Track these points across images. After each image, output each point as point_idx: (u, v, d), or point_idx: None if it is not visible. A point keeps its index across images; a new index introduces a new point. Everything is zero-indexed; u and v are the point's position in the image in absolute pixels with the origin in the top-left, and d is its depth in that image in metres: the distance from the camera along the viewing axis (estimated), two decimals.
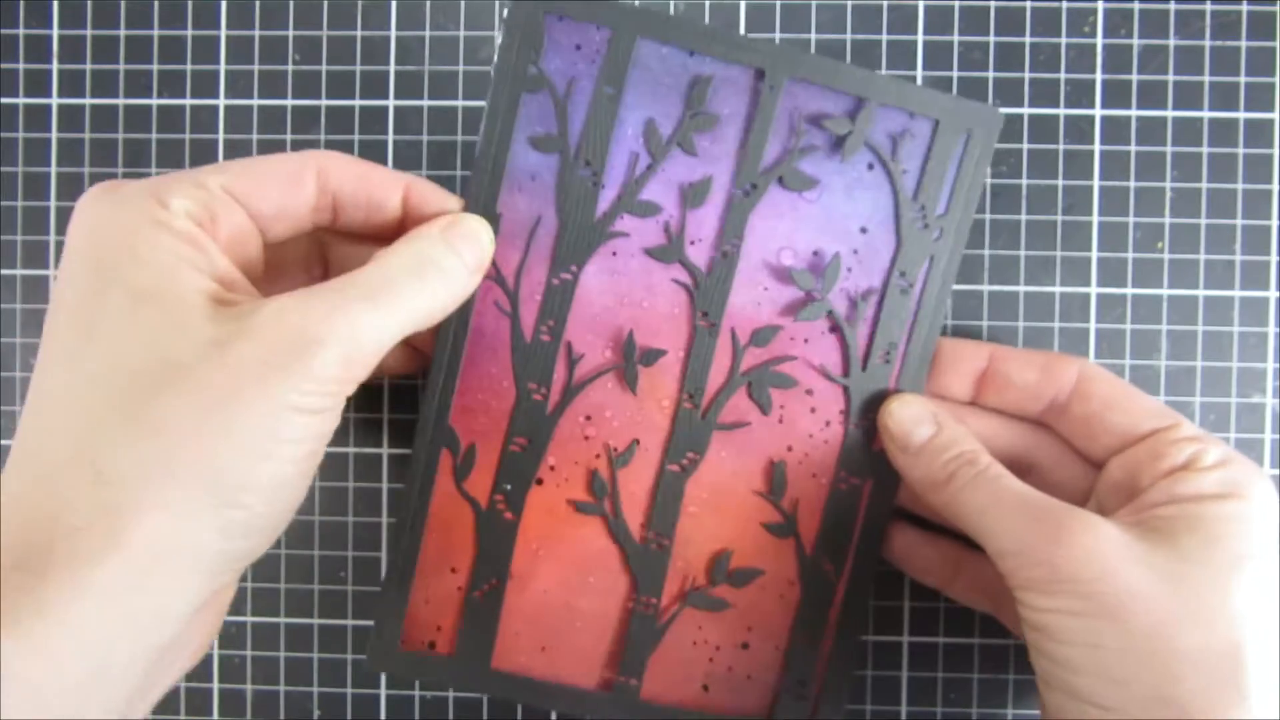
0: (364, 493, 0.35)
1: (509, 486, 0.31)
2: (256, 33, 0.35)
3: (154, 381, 0.23)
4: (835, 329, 0.31)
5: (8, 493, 0.23)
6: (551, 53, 0.30)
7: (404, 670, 0.31)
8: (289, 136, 0.35)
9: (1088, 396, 0.29)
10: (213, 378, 0.23)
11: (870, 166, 0.30)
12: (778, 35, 0.34)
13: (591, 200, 0.30)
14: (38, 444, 0.23)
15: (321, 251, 0.31)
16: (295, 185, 0.27)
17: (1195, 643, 0.24)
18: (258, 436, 0.23)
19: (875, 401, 0.31)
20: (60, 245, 0.35)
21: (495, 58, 0.29)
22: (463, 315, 0.30)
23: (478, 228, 0.29)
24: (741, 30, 0.34)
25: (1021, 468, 0.31)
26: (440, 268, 0.27)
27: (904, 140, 0.30)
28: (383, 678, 0.35)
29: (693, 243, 0.30)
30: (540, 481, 0.31)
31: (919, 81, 0.34)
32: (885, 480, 0.31)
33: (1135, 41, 0.34)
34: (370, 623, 0.34)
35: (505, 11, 0.30)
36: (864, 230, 0.31)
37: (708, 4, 0.34)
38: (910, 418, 0.30)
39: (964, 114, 0.30)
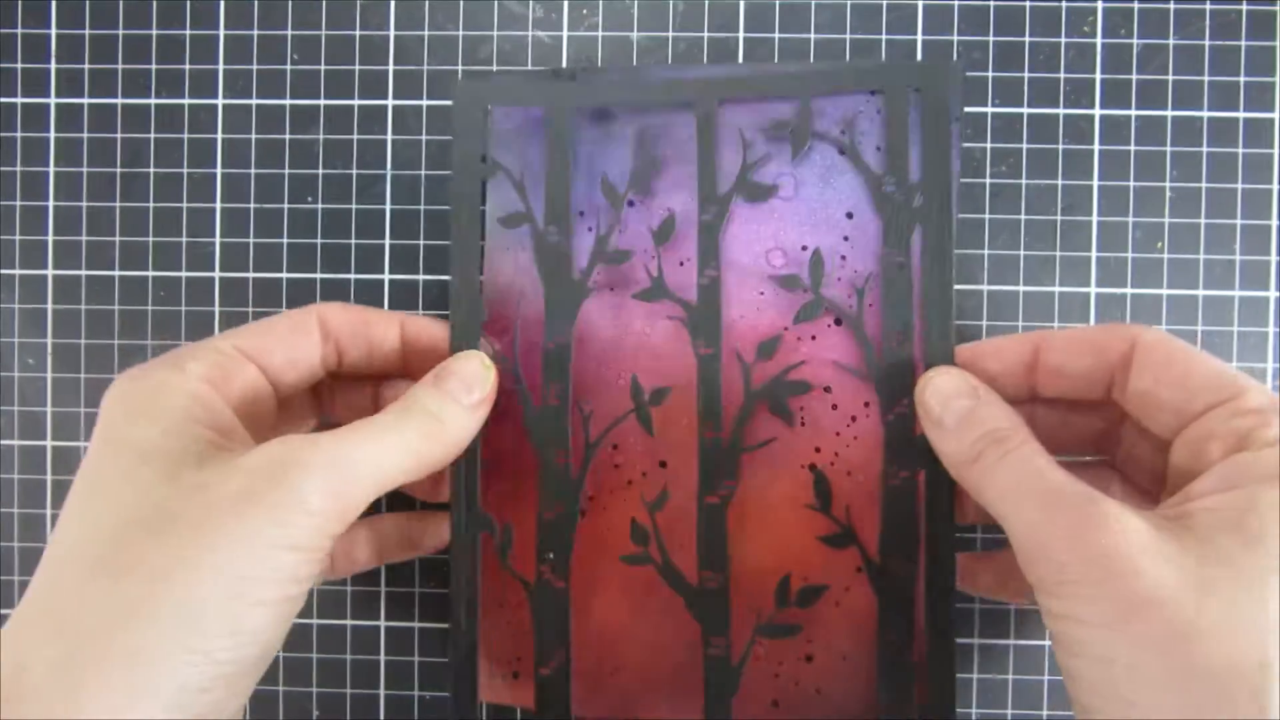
0: None
1: (551, 555, 0.31)
2: (255, 32, 0.35)
3: (140, 529, 0.23)
4: (839, 322, 0.30)
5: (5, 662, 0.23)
6: (503, 139, 0.31)
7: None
8: (288, 136, 0.35)
9: (1142, 369, 0.26)
10: (192, 517, 0.23)
11: (841, 151, 0.30)
12: (777, 35, 0.34)
13: (567, 261, 0.31)
14: (24, 604, 0.24)
15: (323, 406, 0.33)
16: (301, 334, 0.29)
17: (1217, 660, 0.21)
18: (231, 576, 0.23)
19: (905, 387, 0.30)
20: (58, 245, 0.35)
21: (452, 152, 0.31)
22: None
23: (468, 366, 0.29)
24: (740, 31, 0.34)
25: (1104, 450, 0.29)
26: (430, 412, 0.27)
27: (857, 120, 0.30)
28: (381, 678, 0.35)
29: (677, 279, 0.31)
30: (583, 513, 0.31)
31: None
32: (938, 470, 0.29)
33: (1135, 41, 0.34)
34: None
35: (451, 111, 0.32)
36: (850, 215, 0.30)
37: (707, 4, 0.34)
38: (948, 390, 0.28)
39: (902, 75, 0.30)
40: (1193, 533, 0.22)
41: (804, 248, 0.30)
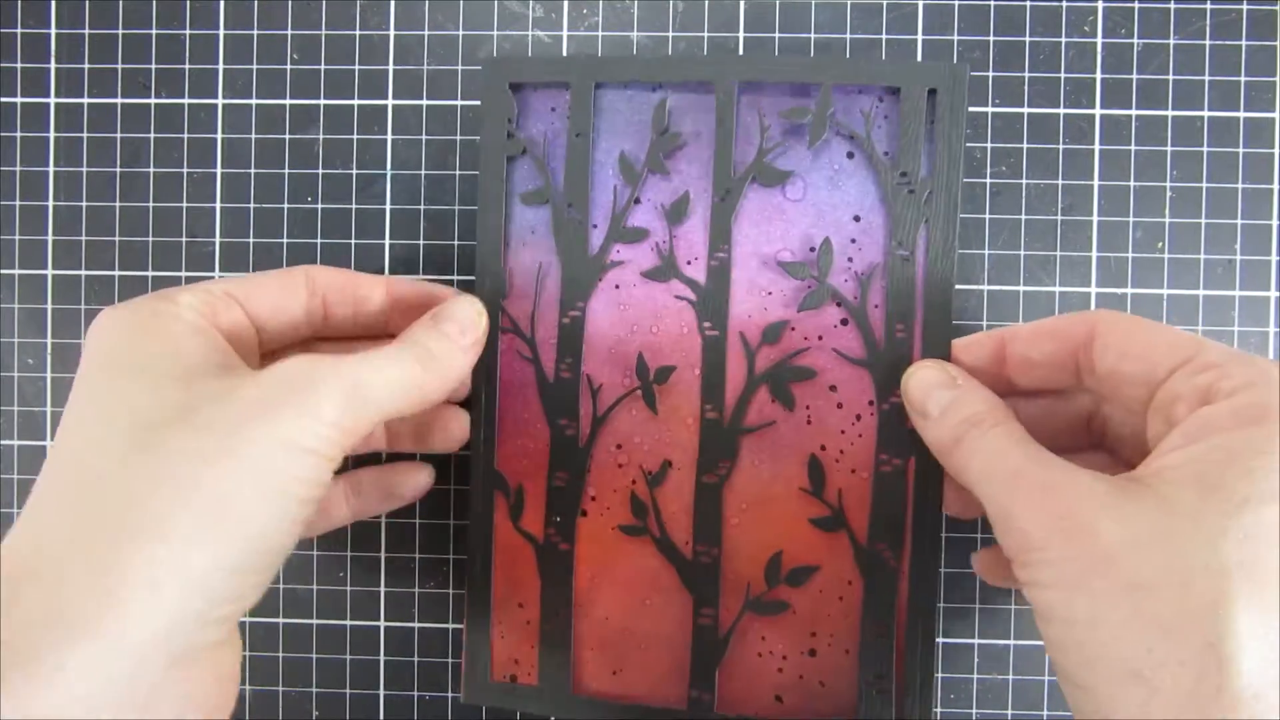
0: None
1: (559, 518, 0.33)
2: (255, 32, 0.35)
3: (163, 426, 0.24)
4: (846, 321, 0.31)
5: (10, 551, 0.23)
6: (527, 119, 0.33)
7: (498, 702, 0.33)
8: (288, 136, 0.35)
9: (1105, 349, 0.27)
10: (219, 414, 0.24)
11: (850, 155, 0.31)
12: (777, 35, 0.34)
13: (584, 239, 0.32)
14: (34, 497, 0.24)
15: None
16: (288, 287, 0.30)
17: (1168, 607, 0.21)
18: (262, 468, 0.24)
19: (900, 376, 0.30)
20: (58, 245, 0.35)
21: (481, 129, 0.32)
22: (490, 370, 0.33)
23: (463, 308, 0.30)
24: (740, 31, 0.34)
25: (1095, 434, 0.30)
26: (427, 348, 0.28)
27: (874, 115, 0.31)
28: (381, 678, 0.35)
29: (688, 261, 0.32)
30: (585, 513, 0.33)
31: None
32: (928, 458, 0.30)
33: (1135, 41, 0.34)
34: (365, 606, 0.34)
35: (480, 90, 0.33)
36: (857, 218, 0.31)
37: (707, 4, 0.34)
38: (929, 381, 0.28)
39: (922, 74, 0.30)
40: (1153, 490, 0.22)
41: (811, 248, 0.31)
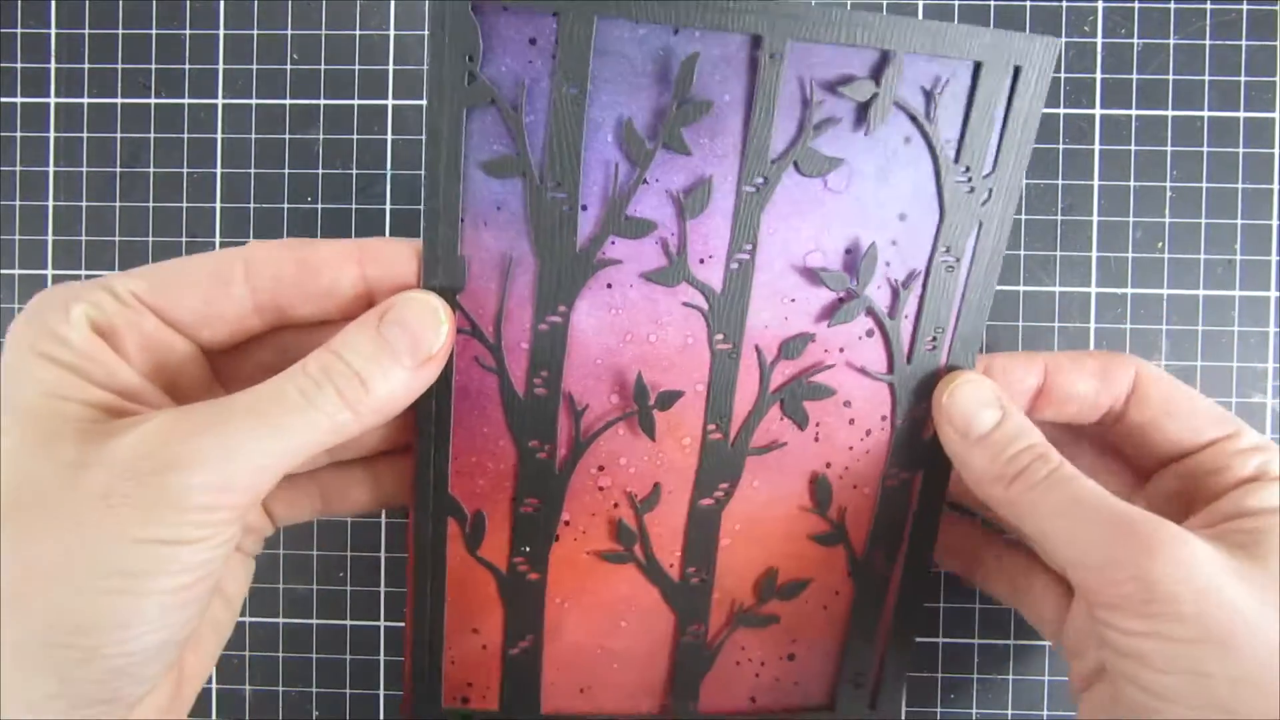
0: None
1: (527, 548, 0.29)
2: (255, 32, 0.35)
3: (6, 511, 0.21)
4: (873, 332, 0.27)
5: None
6: (496, 53, 0.24)
7: None
8: (287, 136, 0.35)
9: (1145, 402, 0.28)
10: (63, 506, 0.21)
11: (907, 140, 0.26)
12: None
13: (570, 227, 0.26)
14: None
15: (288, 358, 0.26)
16: (219, 286, 0.24)
17: None
18: (103, 572, 0.20)
19: (924, 391, 0.28)
20: (58, 245, 0.35)
21: (425, 68, 0.25)
22: (444, 377, 0.26)
23: (416, 312, 0.24)
24: None
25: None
26: (356, 375, 0.23)
27: (940, 95, 0.25)
28: (381, 678, 0.35)
29: (701, 260, 0.26)
30: (557, 538, 0.29)
31: None
32: (937, 471, 0.29)
33: (1135, 41, 0.34)
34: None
35: (426, 8, 0.26)
36: (903, 217, 0.26)
37: None
38: (975, 400, 0.26)
39: (1010, 48, 0.25)
40: (1245, 551, 0.24)
41: (848, 250, 0.27)
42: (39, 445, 0.21)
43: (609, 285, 0.26)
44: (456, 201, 0.25)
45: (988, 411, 0.26)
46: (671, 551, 0.29)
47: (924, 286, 0.27)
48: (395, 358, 0.23)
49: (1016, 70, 0.25)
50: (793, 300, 0.27)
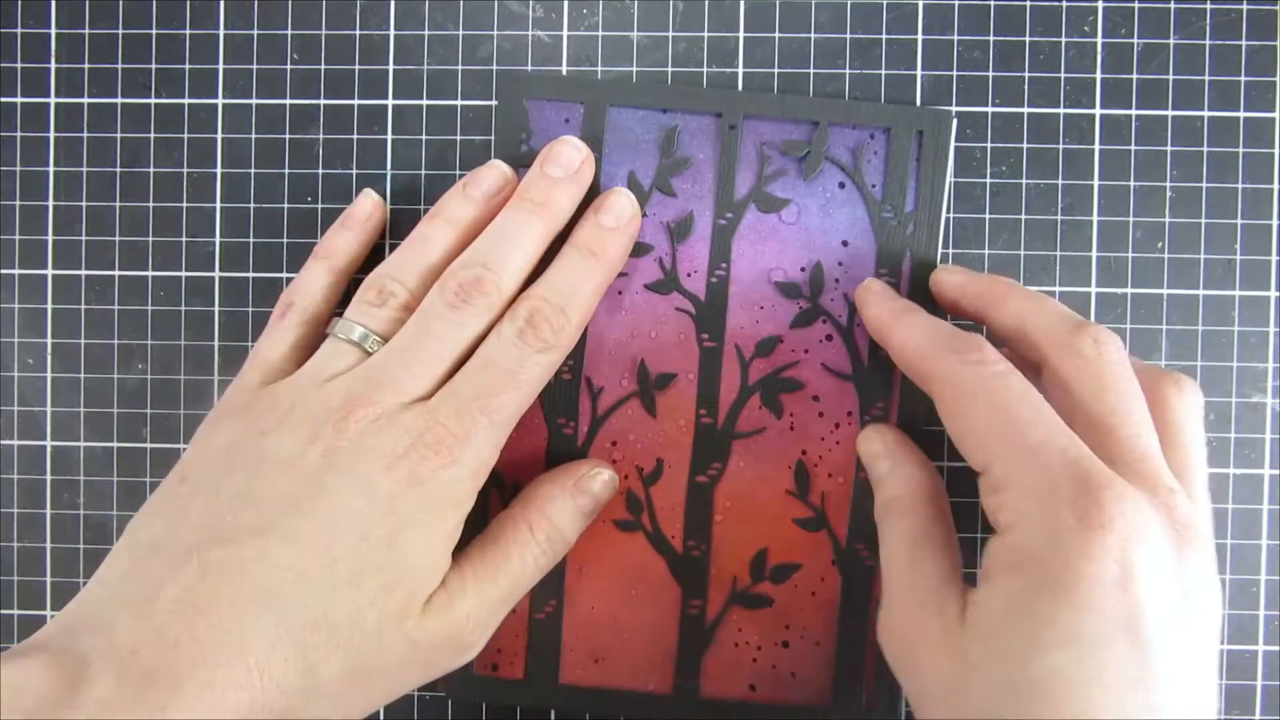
0: None
1: None
2: (255, 32, 0.35)
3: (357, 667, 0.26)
4: (832, 336, 0.33)
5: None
6: (539, 131, 0.34)
7: (481, 694, 0.34)
8: (288, 136, 0.35)
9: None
10: (387, 666, 0.27)
11: (841, 185, 0.33)
12: (777, 35, 0.34)
13: None
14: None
15: None
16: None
17: None
18: (393, 690, 0.28)
19: (883, 392, 0.33)
20: (58, 244, 0.35)
21: (495, 143, 0.34)
22: None
23: (602, 485, 0.32)
24: (740, 31, 0.34)
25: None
26: (567, 539, 0.32)
27: (864, 151, 0.33)
28: None
29: (689, 274, 0.34)
30: None
31: (918, 81, 0.34)
32: None
33: (1135, 41, 0.34)
34: None
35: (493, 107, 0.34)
36: (845, 243, 0.33)
37: (707, 4, 0.34)
38: (871, 452, 0.32)
39: (911, 118, 0.33)
40: (974, 625, 0.25)
41: (803, 268, 0.34)
42: (399, 620, 0.27)
43: (620, 293, 0.34)
44: None
45: (880, 462, 0.31)
46: (674, 523, 0.34)
47: None
48: (589, 518, 0.32)
49: (921, 134, 0.33)
50: (762, 308, 0.34)
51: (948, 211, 0.34)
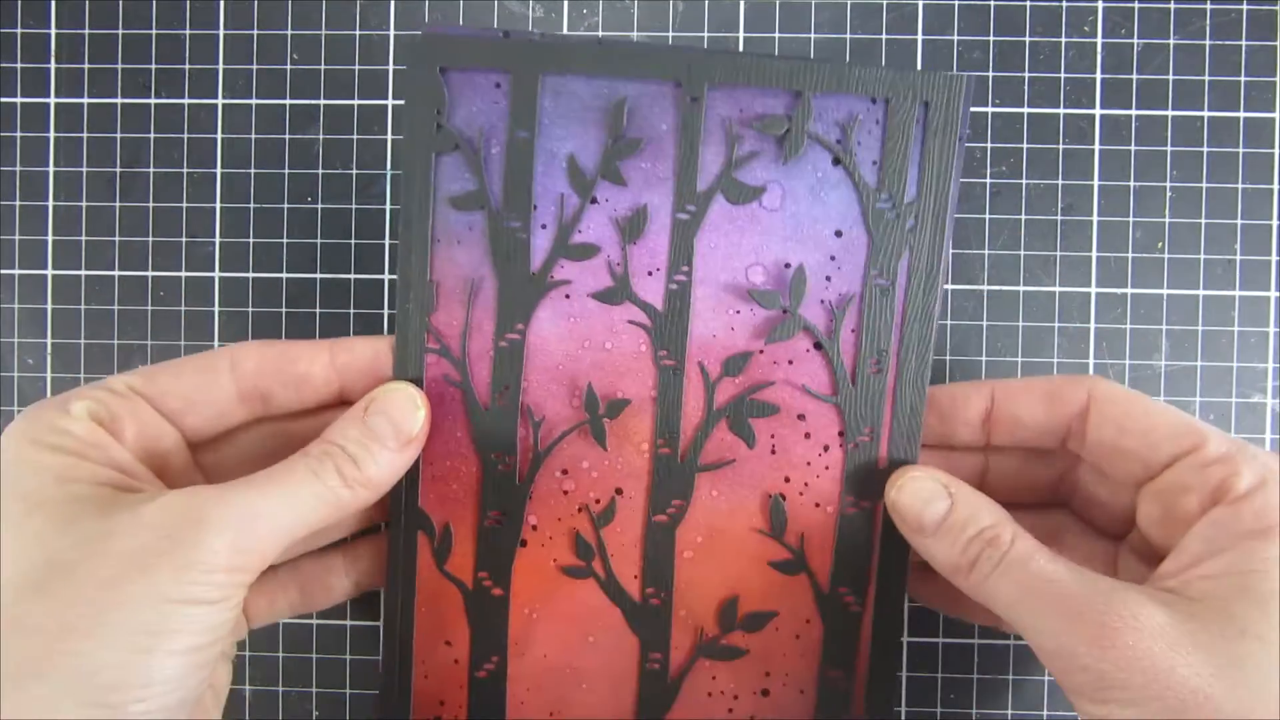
0: None
1: (491, 562, 0.30)
2: (255, 32, 0.35)
3: (29, 589, 0.22)
4: (818, 346, 0.29)
5: None
6: (460, 105, 0.28)
7: None
8: (287, 136, 0.35)
9: (1101, 421, 0.27)
10: (94, 572, 0.22)
11: (835, 161, 0.28)
12: (777, 35, 0.34)
13: (524, 252, 0.29)
14: None
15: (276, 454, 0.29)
16: (206, 375, 0.27)
17: None
18: (134, 631, 0.22)
19: (874, 416, 0.29)
20: (58, 245, 0.35)
21: (404, 119, 0.29)
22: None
23: (397, 402, 0.27)
24: (740, 31, 0.34)
25: (1061, 494, 0.30)
26: (351, 456, 0.26)
27: (855, 127, 0.28)
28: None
29: (650, 273, 0.29)
30: (524, 543, 0.30)
31: None
32: None
33: (1135, 41, 0.34)
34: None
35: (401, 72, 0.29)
36: (839, 234, 0.28)
37: (707, 4, 0.34)
38: (922, 494, 0.27)
39: (915, 84, 0.27)
40: (1206, 606, 0.23)
41: (787, 265, 0.28)
42: (60, 524, 0.23)
43: (567, 297, 0.29)
44: (426, 235, 0.29)
45: (936, 504, 0.27)
46: (632, 563, 0.30)
47: (861, 307, 0.28)
48: (382, 442, 0.27)
49: (926, 105, 0.27)
50: (737, 313, 0.29)
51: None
